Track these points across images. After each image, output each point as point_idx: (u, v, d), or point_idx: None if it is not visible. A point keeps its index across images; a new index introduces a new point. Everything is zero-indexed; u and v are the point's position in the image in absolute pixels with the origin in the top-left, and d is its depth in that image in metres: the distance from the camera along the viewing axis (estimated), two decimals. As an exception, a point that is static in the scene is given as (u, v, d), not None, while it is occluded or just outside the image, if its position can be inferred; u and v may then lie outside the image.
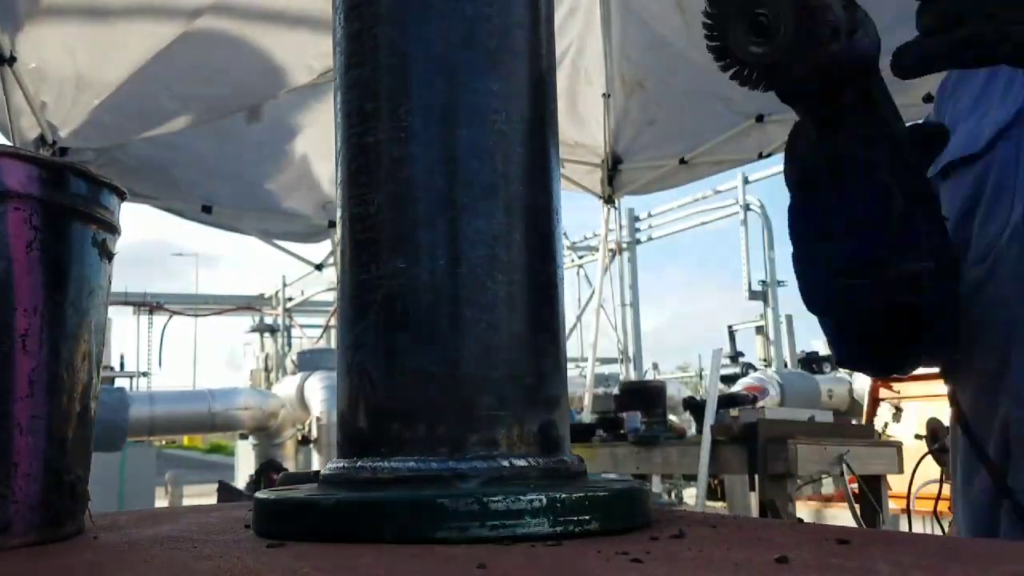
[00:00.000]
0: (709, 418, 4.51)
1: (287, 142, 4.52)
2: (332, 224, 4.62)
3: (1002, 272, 0.89)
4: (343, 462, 0.66)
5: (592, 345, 6.54)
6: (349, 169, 0.68)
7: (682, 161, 4.86)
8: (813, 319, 0.94)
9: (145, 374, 20.64)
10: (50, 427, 0.63)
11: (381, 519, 0.57)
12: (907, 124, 0.80)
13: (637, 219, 12.40)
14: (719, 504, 7.97)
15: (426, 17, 0.66)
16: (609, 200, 5.32)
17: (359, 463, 0.64)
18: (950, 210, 0.92)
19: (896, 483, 4.55)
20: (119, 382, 15.15)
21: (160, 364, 20.46)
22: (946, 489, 1.40)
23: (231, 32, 3.64)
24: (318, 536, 0.59)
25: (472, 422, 0.62)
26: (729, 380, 10.72)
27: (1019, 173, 0.89)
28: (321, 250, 5.88)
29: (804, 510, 5.75)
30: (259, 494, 0.66)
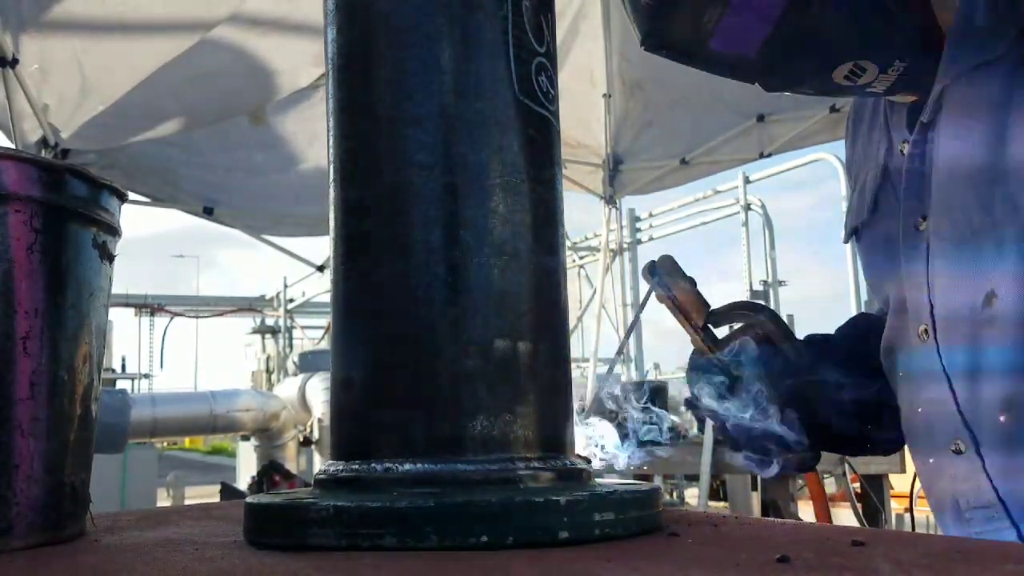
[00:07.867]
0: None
1: (289, 142, 4.52)
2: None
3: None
4: (340, 464, 0.64)
5: (593, 348, 6.53)
6: (342, 165, 0.67)
7: (683, 161, 4.86)
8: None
9: (147, 376, 20.67)
10: (51, 429, 0.63)
11: (379, 524, 0.56)
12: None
13: (638, 219, 12.35)
14: (721, 504, 7.95)
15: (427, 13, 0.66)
16: (611, 200, 5.32)
17: (354, 464, 0.62)
18: (867, 267, 1.11)
19: (898, 482, 4.54)
20: (121, 384, 15.17)
21: (162, 366, 20.50)
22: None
23: (233, 38, 3.64)
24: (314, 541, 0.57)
25: (475, 422, 0.61)
26: (731, 380, 10.64)
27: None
28: (322, 251, 5.88)
29: (806, 510, 5.74)
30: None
